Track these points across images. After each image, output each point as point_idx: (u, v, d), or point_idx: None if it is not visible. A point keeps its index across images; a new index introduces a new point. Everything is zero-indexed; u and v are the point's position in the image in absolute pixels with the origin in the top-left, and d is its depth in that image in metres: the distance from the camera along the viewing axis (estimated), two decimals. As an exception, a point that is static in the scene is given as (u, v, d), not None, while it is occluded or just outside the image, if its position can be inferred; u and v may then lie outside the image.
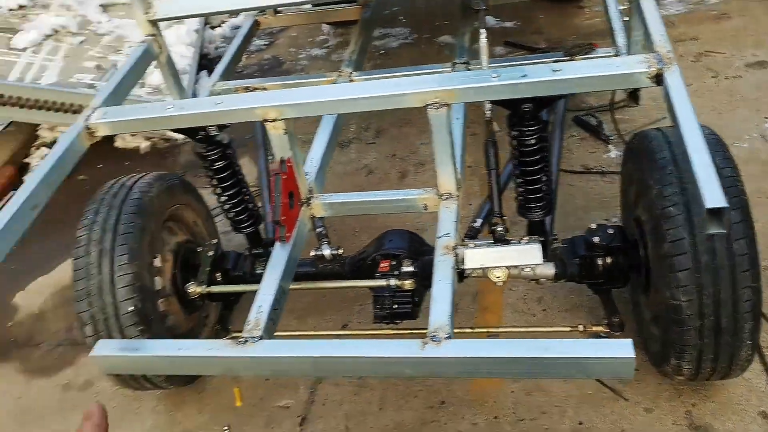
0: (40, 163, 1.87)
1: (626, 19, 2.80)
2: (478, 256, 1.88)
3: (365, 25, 3.22)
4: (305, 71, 4.67)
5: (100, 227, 2.15)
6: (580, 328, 2.21)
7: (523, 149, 1.92)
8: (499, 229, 1.98)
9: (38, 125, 4.41)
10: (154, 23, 2.41)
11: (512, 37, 4.36)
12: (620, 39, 2.67)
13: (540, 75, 1.71)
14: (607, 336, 2.17)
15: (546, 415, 2.22)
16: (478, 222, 2.24)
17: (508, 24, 4.55)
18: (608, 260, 2.10)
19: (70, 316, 3.07)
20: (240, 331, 2.42)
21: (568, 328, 2.24)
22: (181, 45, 4.59)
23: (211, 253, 2.34)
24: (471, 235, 2.18)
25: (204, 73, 4.77)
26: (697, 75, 3.66)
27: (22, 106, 3.75)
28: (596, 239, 2.07)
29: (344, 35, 5.01)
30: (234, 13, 3.59)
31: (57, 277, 3.30)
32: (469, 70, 2.65)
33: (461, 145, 2.27)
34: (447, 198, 2.03)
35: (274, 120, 1.91)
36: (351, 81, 2.75)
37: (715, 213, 1.29)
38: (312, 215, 2.19)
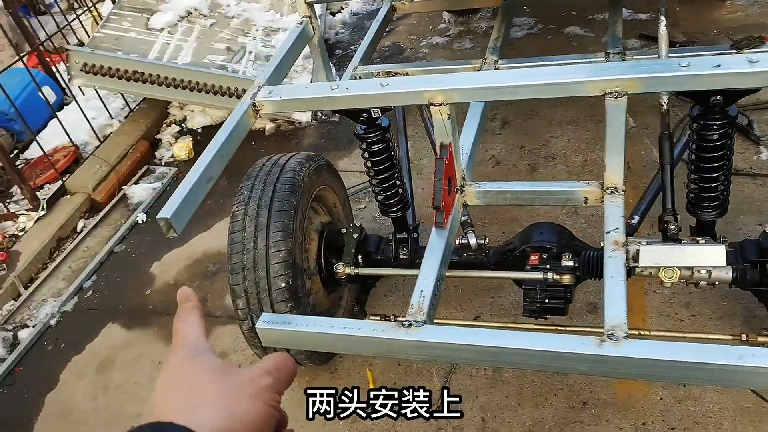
0: (213, 139, 1.92)
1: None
2: (653, 254, 1.79)
3: (506, 11, 3.15)
4: (426, 59, 4.64)
5: (255, 203, 2.19)
6: (743, 337, 2.07)
7: (704, 144, 1.81)
8: (672, 227, 1.88)
9: (168, 103, 4.59)
10: (310, 5, 2.43)
11: (646, 29, 4.17)
12: (792, 32, 2.49)
13: (736, 66, 1.59)
14: (774, 348, 2.04)
15: (699, 426, 2.11)
16: (635, 219, 2.15)
17: (641, 16, 4.36)
18: (782, 267, 1.96)
19: (204, 288, 3.18)
20: (377, 314, 2.45)
21: (729, 336, 2.11)
22: (305, 29, 4.65)
23: (356, 236, 2.35)
24: (628, 232, 2.08)
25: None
26: None
27: (160, 84, 3.90)
28: (772, 244, 1.94)
29: (465, 24, 4.94)
30: (378, -3, 3.58)
31: (191, 251, 3.41)
32: (624, 60, 2.54)
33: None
34: (612, 192, 1.95)
35: (441, 104, 1.88)
36: (496, 69, 2.70)
37: None
38: (465, 202, 2.16)
